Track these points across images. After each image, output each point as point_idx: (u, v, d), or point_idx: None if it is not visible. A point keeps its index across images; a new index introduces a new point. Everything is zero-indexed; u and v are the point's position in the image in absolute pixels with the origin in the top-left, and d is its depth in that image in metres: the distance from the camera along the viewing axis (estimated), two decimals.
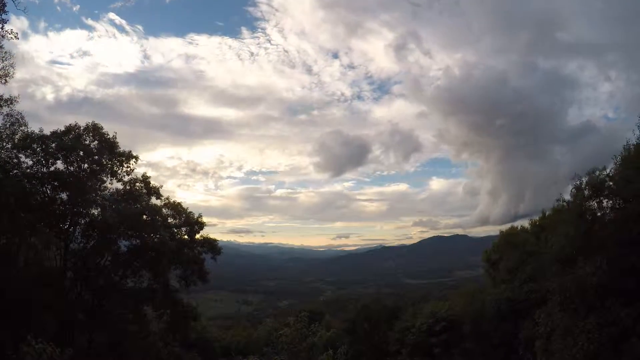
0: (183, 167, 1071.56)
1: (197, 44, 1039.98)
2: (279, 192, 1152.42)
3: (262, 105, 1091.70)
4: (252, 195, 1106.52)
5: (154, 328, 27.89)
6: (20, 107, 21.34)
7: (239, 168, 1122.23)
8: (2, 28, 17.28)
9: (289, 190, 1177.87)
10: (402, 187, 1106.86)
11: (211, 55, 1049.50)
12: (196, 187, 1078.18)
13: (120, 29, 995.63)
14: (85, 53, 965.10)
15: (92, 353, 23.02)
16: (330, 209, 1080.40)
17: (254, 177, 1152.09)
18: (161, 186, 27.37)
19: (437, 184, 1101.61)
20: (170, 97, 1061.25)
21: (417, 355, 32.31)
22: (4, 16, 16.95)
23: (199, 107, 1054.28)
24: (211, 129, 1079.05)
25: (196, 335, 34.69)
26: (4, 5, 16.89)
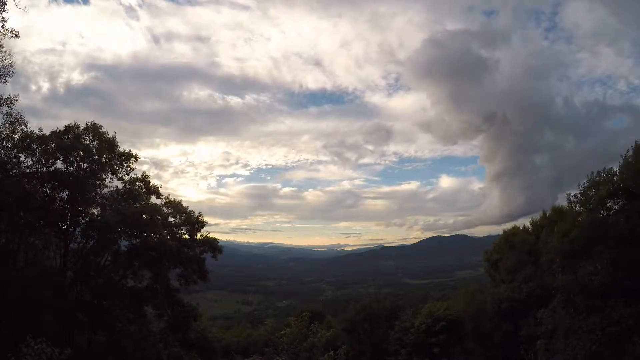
0: (187, 164, 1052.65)
1: (207, 27, 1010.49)
2: (286, 190, 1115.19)
3: (271, 99, 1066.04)
4: (257, 193, 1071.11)
5: (154, 328, 27.83)
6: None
7: (245, 165, 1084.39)
8: (2, 27, 17.25)
9: (296, 189, 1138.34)
10: (413, 185, 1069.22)
11: (221, 38, 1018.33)
12: (200, 185, 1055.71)
13: (127, 8, 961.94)
14: (85, 36, 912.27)
15: (92, 353, 22.96)
16: (339, 208, 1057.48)
17: (261, 175, 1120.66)
18: (161, 185, 27.39)
19: (447, 183, 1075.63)
20: (175, 89, 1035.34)
21: (416, 355, 32.23)
22: (4, 15, 16.92)
23: (205, 100, 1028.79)
24: (217, 124, 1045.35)
25: (196, 335, 34.55)
26: (4, 4, 16.85)
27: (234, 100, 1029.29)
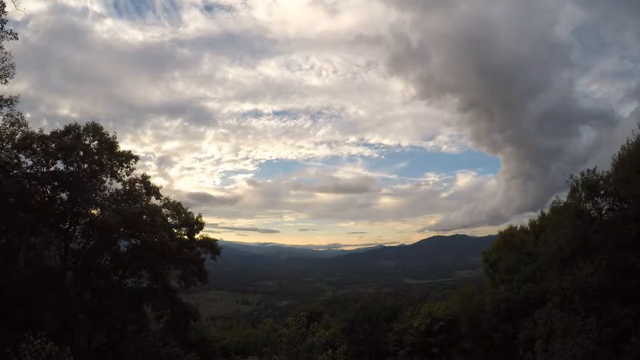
0: (192, 161, 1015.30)
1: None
2: (295, 190, 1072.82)
3: (282, 94, 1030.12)
4: (266, 192, 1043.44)
5: (154, 328, 27.91)
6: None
7: (254, 162, 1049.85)
8: (1, 29, 17.35)
9: (307, 188, 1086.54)
10: (428, 184, 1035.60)
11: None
12: (206, 182, 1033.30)
13: None
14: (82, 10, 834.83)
15: (92, 353, 23.04)
16: (351, 208, 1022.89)
17: (271, 171, 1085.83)
18: (161, 187, 27.44)
19: (463, 181, 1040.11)
20: (181, 79, 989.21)
21: (415, 355, 32.33)
22: (3, 17, 17.02)
23: (213, 89, 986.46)
24: (224, 118, 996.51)
25: (196, 335, 34.65)
26: (4, 5, 16.95)
27: (243, 96, 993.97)
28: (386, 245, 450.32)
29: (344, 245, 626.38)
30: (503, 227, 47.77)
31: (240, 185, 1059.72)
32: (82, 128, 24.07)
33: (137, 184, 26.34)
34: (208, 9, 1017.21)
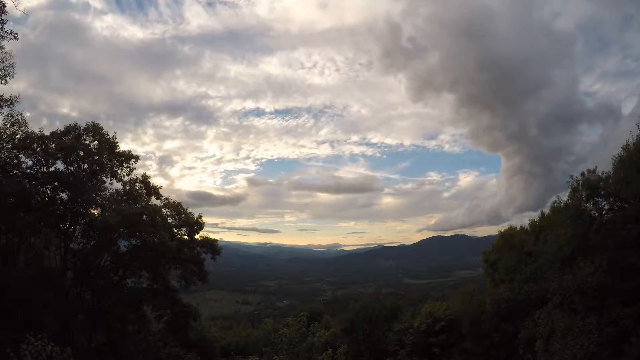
0: (193, 160, 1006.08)
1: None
2: (296, 189, 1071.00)
3: (284, 93, 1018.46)
4: (266, 191, 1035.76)
5: (154, 328, 27.92)
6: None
7: (255, 161, 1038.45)
8: (1, 29, 17.36)
9: (308, 187, 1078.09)
10: (430, 184, 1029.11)
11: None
12: (207, 182, 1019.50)
13: None
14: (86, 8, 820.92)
15: (92, 353, 23.04)
16: (352, 207, 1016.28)
17: (272, 171, 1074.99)
18: (161, 187, 27.45)
19: (465, 181, 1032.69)
20: (182, 77, 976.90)
21: (416, 355, 32.32)
22: (3, 17, 17.03)
23: (214, 85, 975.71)
24: (225, 117, 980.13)
25: (196, 335, 34.66)
26: (4, 5, 16.96)
27: (245, 95, 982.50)
28: (386, 245, 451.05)
29: (344, 245, 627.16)
30: (503, 227, 47.88)
31: (241, 184, 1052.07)
32: (82, 128, 24.09)
33: (137, 184, 26.35)
34: (210, 4, 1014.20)
